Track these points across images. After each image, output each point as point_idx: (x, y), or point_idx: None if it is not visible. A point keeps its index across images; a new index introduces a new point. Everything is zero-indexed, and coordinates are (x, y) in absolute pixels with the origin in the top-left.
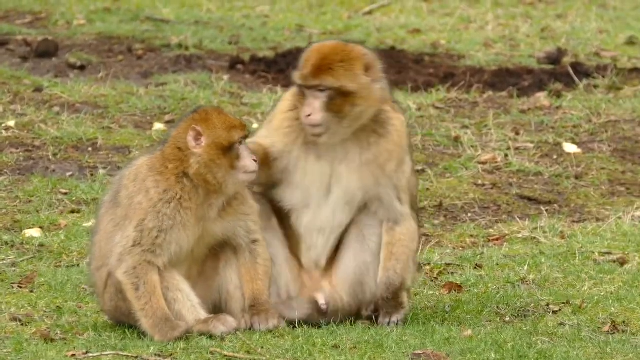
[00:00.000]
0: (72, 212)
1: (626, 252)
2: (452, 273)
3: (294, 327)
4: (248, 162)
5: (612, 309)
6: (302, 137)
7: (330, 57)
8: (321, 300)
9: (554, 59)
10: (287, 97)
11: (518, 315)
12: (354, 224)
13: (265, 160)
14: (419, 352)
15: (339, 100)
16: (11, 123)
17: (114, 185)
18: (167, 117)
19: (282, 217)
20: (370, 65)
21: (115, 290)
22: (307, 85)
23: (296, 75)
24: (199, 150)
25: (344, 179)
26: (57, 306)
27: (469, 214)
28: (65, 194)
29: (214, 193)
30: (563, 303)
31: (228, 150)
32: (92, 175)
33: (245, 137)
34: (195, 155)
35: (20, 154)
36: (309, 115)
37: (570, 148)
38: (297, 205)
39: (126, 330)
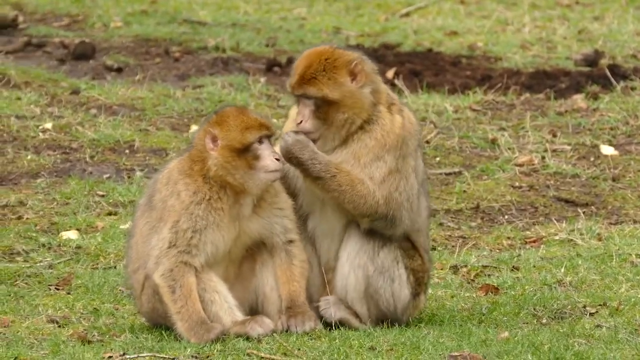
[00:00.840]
0: (109, 214)
1: None
2: (489, 275)
3: (331, 329)
4: (268, 161)
5: None
6: None
7: (314, 67)
8: (322, 306)
9: (591, 60)
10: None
11: (555, 317)
12: (353, 226)
13: None
14: (456, 354)
15: (325, 108)
16: (48, 125)
17: (149, 188)
18: (203, 120)
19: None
20: (356, 71)
21: (153, 292)
22: (294, 94)
23: (286, 84)
24: (214, 153)
25: None
26: (94, 308)
27: (506, 216)
28: (102, 196)
29: (241, 193)
30: (600, 305)
31: (243, 152)
32: (129, 177)
33: (268, 136)
34: (212, 158)
35: (58, 156)
36: (300, 123)
37: (607, 150)
38: (305, 211)
39: (163, 332)
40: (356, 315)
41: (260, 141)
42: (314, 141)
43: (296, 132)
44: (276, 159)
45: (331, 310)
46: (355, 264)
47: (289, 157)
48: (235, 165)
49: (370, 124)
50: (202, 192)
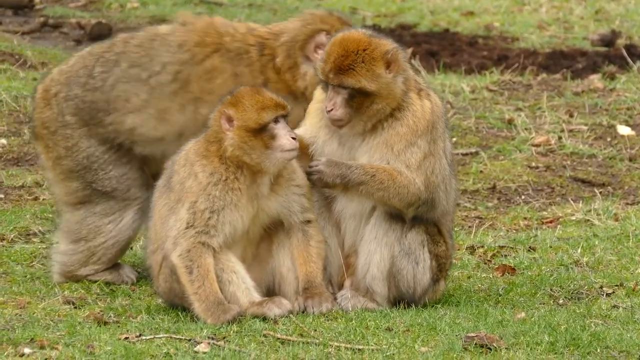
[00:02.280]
0: None
1: None
2: (506, 255)
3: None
4: (284, 140)
5: None
6: (327, 123)
7: (352, 57)
8: (339, 299)
9: (608, 41)
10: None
11: (571, 297)
12: (381, 208)
13: (303, 148)
14: (472, 334)
15: (360, 98)
16: None
17: (167, 170)
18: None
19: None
20: (392, 60)
21: (170, 272)
22: (329, 82)
23: (319, 70)
24: (230, 134)
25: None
26: (111, 289)
27: (523, 197)
28: None
29: (258, 172)
30: (617, 285)
31: (260, 132)
32: None
33: (284, 116)
34: (228, 138)
35: None
36: (330, 110)
37: (624, 130)
38: (331, 193)
39: (179, 313)
40: (373, 301)
41: (276, 121)
42: (342, 127)
43: (325, 160)
44: (292, 138)
45: (349, 302)
46: (382, 242)
47: (329, 180)
48: (251, 145)
49: (401, 111)
50: (218, 173)
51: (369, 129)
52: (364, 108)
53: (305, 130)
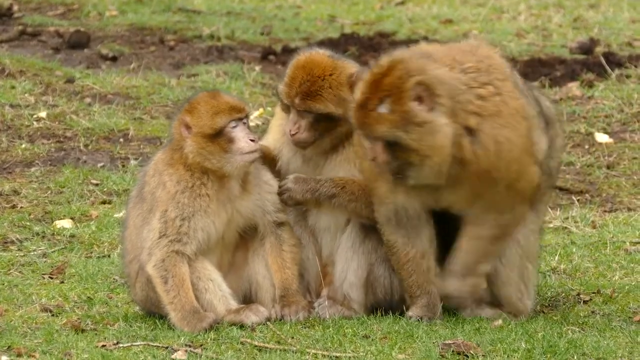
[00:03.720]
0: (104, 202)
1: None
2: None
3: (324, 318)
4: (242, 143)
5: None
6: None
7: (319, 82)
8: (316, 308)
9: (587, 48)
10: None
11: (549, 305)
12: (355, 221)
13: (271, 159)
14: (449, 342)
15: (325, 123)
16: (43, 114)
17: (139, 180)
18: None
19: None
20: (356, 83)
21: (146, 280)
22: (295, 108)
23: (282, 93)
24: (189, 140)
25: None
26: (88, 297)
27: None
28: (97, 184)
29: (222, 177)
30: (594, 293)
31: (216, 137)
32: (123, 166)
33: (240, 119)
34: (187, 145)
35: (52, 144)
36: (294, 134)
37: (602, 138)
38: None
39: (157, 321)
40: (350, 309)
41: (233, 125)
42: (305, 148)
43: (293, 177)
44: (251, 140)
45: (327, 311)
46: (359, 250)
47: (299, 197)
48: (210, 150)
49: None
50: (184, 180)
51: (330, 148)
52: (328, 130)
53: (267, 141)
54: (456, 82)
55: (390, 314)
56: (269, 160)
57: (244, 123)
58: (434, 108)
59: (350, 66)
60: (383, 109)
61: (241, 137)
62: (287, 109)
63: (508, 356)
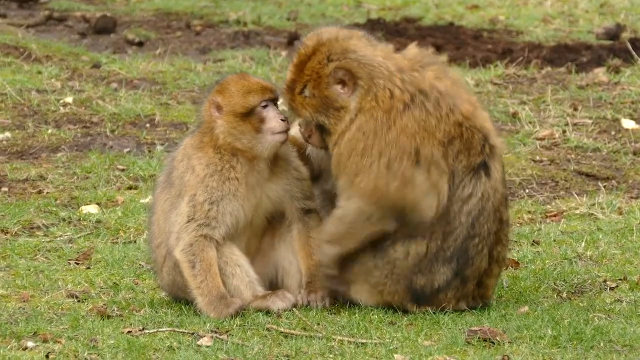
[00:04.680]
0: (130, 188)
1: None
2: (510, 249)
3: (351, 304)
4: (274, 123)
5: None
6: None
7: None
8: None
9: (613, 34)
10: None
11: (575, 291)
12: None
13: (300, 148)
14: (475, 328)
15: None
16: (69, 99)
17: (167, 165)
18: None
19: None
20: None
21: (173, 265)
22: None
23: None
24: (220, 121)
25: None
26: (114, 283)
27: (527, 190)
28: (123, 170)
29: (252, 159)
30: (620, 279)
31: (247, 115)
32: (149, 151)
33: (272, 99)
34: (218, 126)
35: (78, 130)
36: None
37: (628, 124)
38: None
39: (182, 307)
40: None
41: (264, 105)
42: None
43: None
44: (282, 120)
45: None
46: None
47: None
48: (241, 130)
49: None
50: (214, 164)
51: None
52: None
53: (295, 132)
54: (380, 67)
55: None
56: (297, 147)
57: (275, 104)
58: (355, 91)
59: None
60: (306, 93)
61: (272, 117)
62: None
63: (534, 343)
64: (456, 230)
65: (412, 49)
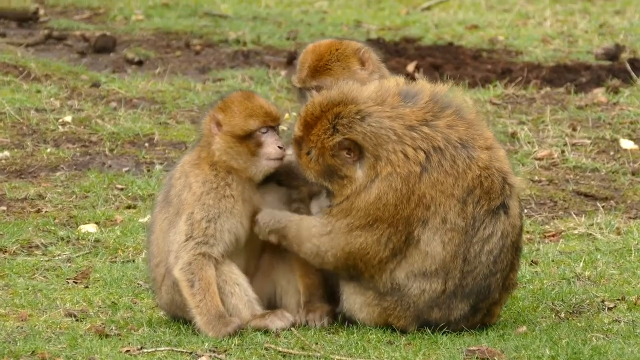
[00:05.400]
0: (128, 207)
1: None
2: None
3: (349, 324)
4: (271, 149)
5: None
6: None
7: (326, 57)
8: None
9: (612, 55)
10: None
11: (573, 311)
12: None
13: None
14: (474, 348)
15: None
16: (68, 118)
17: (165, 185)
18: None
19: None
20: (365, 59)
21: (172, 284)
22: (307, 87)
23: (294, 79)
24: (218, 138)
25: None
26: (112, 302)
27: (525, 210)
28: (122, 189)
29: (246, 178)
30: (618, 299)
31: (246, 138)
32: (148, 170)
33: (272, 125)
34: (215, 142)
35: (77, 149)
36: None
37: (627, 144)
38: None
39: (181, 326)
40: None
41: (264, 129)
42: None
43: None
44: (279, 147)
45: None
46: None
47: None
48: (237, 151)
49: None
50: (209, 181)
51: None
52: None
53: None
54: (388, 132)
55: None
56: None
57: (275, 129)
58: (362, 160)
59: (358, 43)
60: (312, 156)
61: (270, 143)
62: (303, 96)
63: None
64: (476, 269)
65: (424, 95)
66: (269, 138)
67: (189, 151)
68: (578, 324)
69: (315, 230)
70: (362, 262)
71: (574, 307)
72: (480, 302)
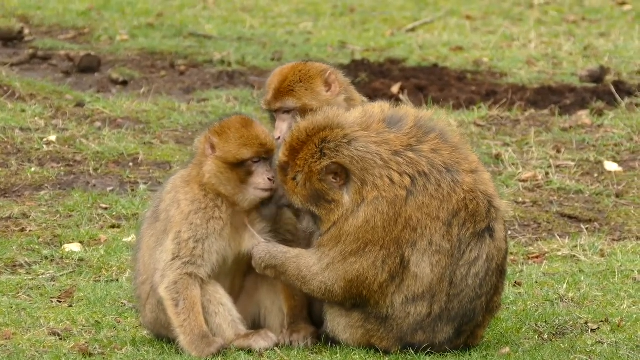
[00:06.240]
0: (113, 227)
1: None
2: None
3: (333, 344)
4: (260, 180)
5: None
6: None
7: (289, 78)
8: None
9: (597, 77)
10: None
11: (556, 333)
12: None
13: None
14: None
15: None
16: (52, 138)
17: (155, 199)
18: (209, 122)
19: None
20: (331, 80)
21: (157, 302)
22: (272, 109)
23: (261, 102)
24: (210, 161)
25: None
26: (96, 321)
27: (509, 232)
28: (106, 209)
29: (234, 204)
30: (602, 321)
31: (237, 166)
32: (132, 190)
33: (265, 157)
34: (207, 164)
35: (61, 168)
36: (278, 139)
37: (611, 166)
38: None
39: (164, 345)
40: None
41: (255, 159)
42: None
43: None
44: (269, 179)
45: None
46: None
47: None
48: (227, 177)
49: None
50: (198, 201)
51: None
52: None
53: None
54: (374, 157)
55: None
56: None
57: (267, 160)
58: (348, 184)
59: (324, 65)
60: (298, 180)
61: (260, 173)
62: (272, 119)
63: None
64: (462, 292)
65: (409, 121)
66: (260, 168)
67: (183, 166)
68: (561, 345)
69: (315, 268)
70: (364, 288)
71: (557, 328)
72: (464, 325)
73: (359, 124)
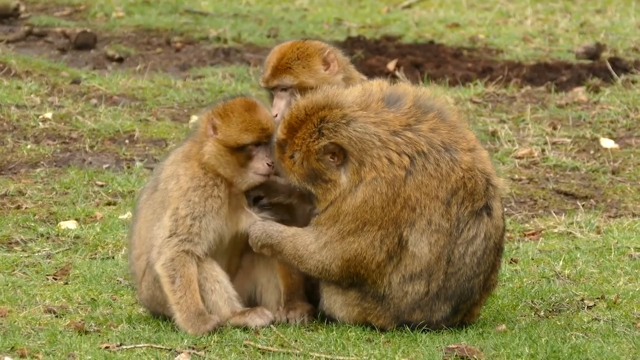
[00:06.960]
0: (108, 204)
1: None
2: None
3: (329, 321)
4: (259, 164)
5: None
6: None
7: (287, 56)
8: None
9: (593, 54)
10: None
11: (552, 310)
12: None
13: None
14: (453, 346)
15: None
16: (48, 115)
17: (157, 169)
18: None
19: None
20: (330, 59)
21: (153, 279)
22: (269, 86)
23: (259, 80)
24: (210, 141)
25: None
26: (92, 298)
27: (505, 209)
28: (102, 186)
29: (231, 185)
30: (598, 298)
31: (237, 150)
32: (128, 167)
33: (265, 142)
34: (207, 145)
35: (57, 145)
36: (276, 116)
37: (607, 143)
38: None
39: (160, 323)
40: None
41: (257, 144)
42: None
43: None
44: (268, 164)
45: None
46: None
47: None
48: (226, 160)
49: None
50: (197, 178)
51: None
52: None
53: None
54: (373, 138)
55: None
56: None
57: (268, 144)
58: (346, 164)
59: (323, 44)
60: (295, 159)
61: (260, 158)
62: (270, 97)
63: None
64: (460, 271)
65: (408, 100)
66: (260, 153)
67: (180, 144)
68: (557, 322)
69: (312, 247)
70: (362, 267)
71: (553, 305)
72: (461, 304)
73: (357, 104)
